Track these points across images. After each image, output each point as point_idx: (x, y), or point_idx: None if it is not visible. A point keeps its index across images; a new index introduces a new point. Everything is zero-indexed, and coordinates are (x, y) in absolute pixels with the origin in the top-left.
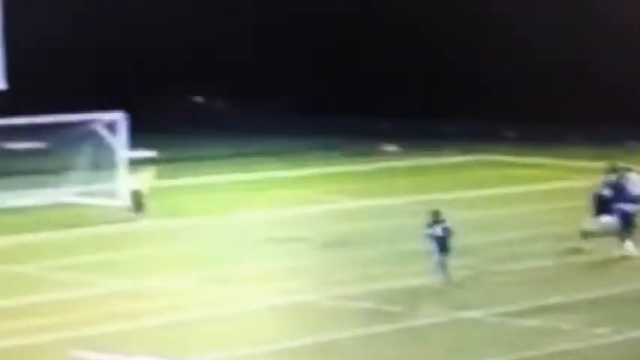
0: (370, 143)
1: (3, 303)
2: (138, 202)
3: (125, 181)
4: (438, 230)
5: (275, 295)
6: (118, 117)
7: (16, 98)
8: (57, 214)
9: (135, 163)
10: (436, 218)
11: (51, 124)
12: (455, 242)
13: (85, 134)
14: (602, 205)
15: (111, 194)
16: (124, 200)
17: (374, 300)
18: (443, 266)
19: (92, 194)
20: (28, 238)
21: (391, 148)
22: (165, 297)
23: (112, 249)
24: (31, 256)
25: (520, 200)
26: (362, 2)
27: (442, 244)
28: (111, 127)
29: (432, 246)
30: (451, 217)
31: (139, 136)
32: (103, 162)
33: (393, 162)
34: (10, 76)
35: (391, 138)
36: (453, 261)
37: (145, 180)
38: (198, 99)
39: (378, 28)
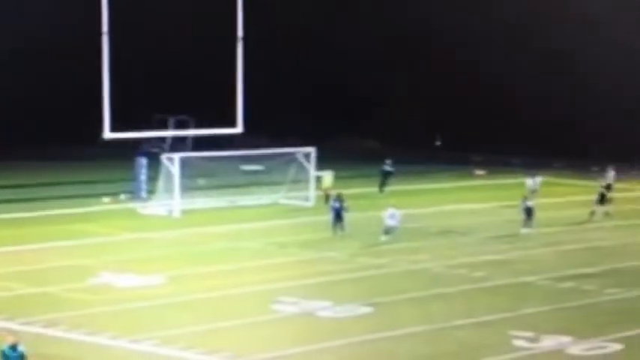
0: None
1: (227, 267)
2: (327, 198)
3: (313, 191)
4: (341, 204)
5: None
6: (312, 150)
7: (248, 137)
8: (271, 210)
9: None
10: (339, 198)
11: (270, 154)
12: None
13: (290, 160)
14: None
15: (304, 198)
16: (312, 202)
17: (466, 268)
18: (342, 228)
19: (293, 198)
20: (253, 224)
21: (480, 172)
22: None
23: (305, 233)
24: (255, 235)
25: (563, 206)
26: None
27: (338, 215)
28: (306, 156)
29: (332, 214)
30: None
31: (322, 163)
32: (301, 178)
33: (482, 181)
34: (245, 121)
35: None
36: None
37: (329, 179)
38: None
39: None
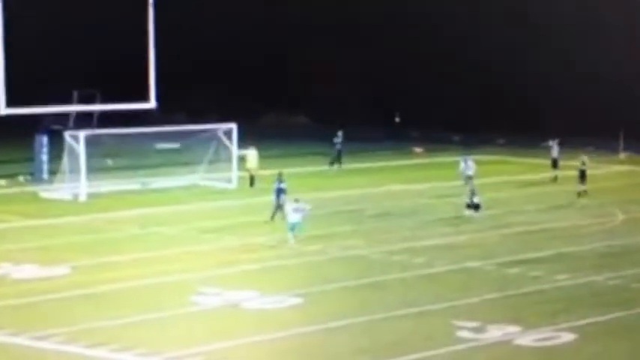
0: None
1: (140, 255)
2: (252, 180)
3: (236, 171)
4: (281, 185)
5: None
6: (233, 126)
7: (163, 113)
8: (189, 193)
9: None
10: (280, 178)
11: (187, 130)
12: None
13: (210, 137)
14: None
15: (227, 179)
16: (235, 184)
17: (406, 254)
18: (281, 209)
19: (213, 179)
20: (169, 208)
21: (419, 149)
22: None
23: (227, 217)
24: (171, 220)
25: (508, 185)
26: None
27: (280, 194)
28: (227, 133)
29: (275, 196)
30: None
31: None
32: (221, 157)
33: (421, 159)
34: (158, 96)
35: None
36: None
37: (253, 158)
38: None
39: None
